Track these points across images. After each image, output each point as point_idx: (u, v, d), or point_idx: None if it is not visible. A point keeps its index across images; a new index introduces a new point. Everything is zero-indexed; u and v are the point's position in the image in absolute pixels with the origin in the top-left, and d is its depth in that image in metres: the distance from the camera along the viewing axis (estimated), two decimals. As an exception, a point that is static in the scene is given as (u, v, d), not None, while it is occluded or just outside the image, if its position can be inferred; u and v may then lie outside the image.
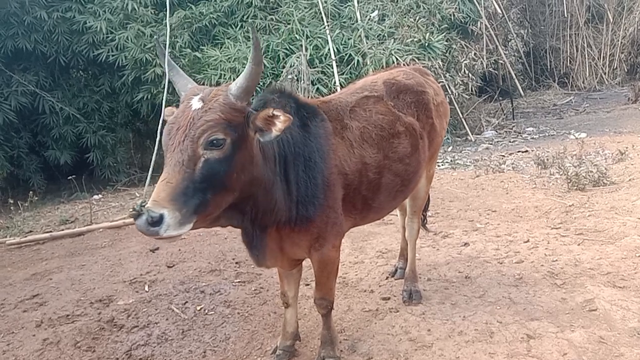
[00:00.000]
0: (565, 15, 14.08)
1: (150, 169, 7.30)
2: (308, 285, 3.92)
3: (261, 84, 8.23)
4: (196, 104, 2.13)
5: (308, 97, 7.68)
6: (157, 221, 1.92)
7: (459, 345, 2.99)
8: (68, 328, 3.53)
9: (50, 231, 6.03)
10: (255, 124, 2.21)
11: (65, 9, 8.76)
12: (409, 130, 2.99)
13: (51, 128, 8.97)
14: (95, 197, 7.97)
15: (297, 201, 2.53)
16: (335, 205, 2.65)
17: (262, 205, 2.41)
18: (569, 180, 5.65)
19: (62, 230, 6.07)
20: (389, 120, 2.92)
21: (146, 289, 4.11)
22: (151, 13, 8.92)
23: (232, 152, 2.11)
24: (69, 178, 7.69)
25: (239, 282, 4.14)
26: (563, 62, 14.54)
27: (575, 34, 14.31)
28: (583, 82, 14.14)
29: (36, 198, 7.24)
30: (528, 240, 4.39)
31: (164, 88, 7.61)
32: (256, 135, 2.25)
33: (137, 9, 8.81)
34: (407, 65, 7.92)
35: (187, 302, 3.84)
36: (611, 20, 13.86)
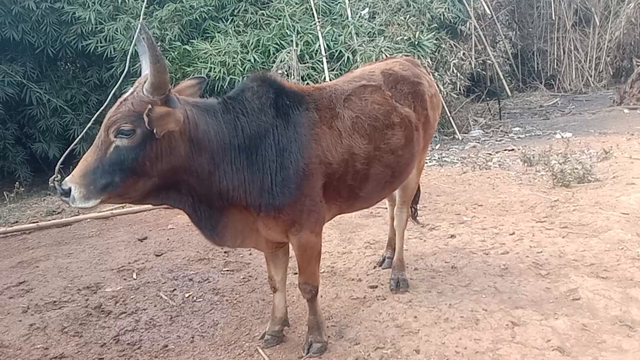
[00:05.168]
0: (553, 18, 14.21)
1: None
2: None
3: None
4: (127, 94, 2.28)
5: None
6: (67, 193, 2.17)
7: (444, 332, 3.04)
8: (55, 314, 3.53)
9: (37, 221, 5.99)
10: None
11: (54, -1, 8.70)
12: (405, 121, 3.01)
13: (38, 120, 8.91)
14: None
15: (264, 189, 2.54)
16: (312, 193, 2.65)
17: (202, 191, 2.45)
18: (554, 177, 5.74)
19: (49, 220, 6.02)
20: (384, 110, 2.93)
21: (134, 276, 4.11)
22: (141, 5, 8.87)
23: (142, 142, 2.21)
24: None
25: (227, 270, 4.14)
26: (550, 65, 14.69)
27: (562, 36, 14.47)
28: (569, 85, 14.29)
29: (22, 189, 7.18)
30: (513, 233, 4.44)
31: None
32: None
33: (127, 0, 8.78)
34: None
35: (175, 289, 3.84)
36: (598, 23, 14.03)
